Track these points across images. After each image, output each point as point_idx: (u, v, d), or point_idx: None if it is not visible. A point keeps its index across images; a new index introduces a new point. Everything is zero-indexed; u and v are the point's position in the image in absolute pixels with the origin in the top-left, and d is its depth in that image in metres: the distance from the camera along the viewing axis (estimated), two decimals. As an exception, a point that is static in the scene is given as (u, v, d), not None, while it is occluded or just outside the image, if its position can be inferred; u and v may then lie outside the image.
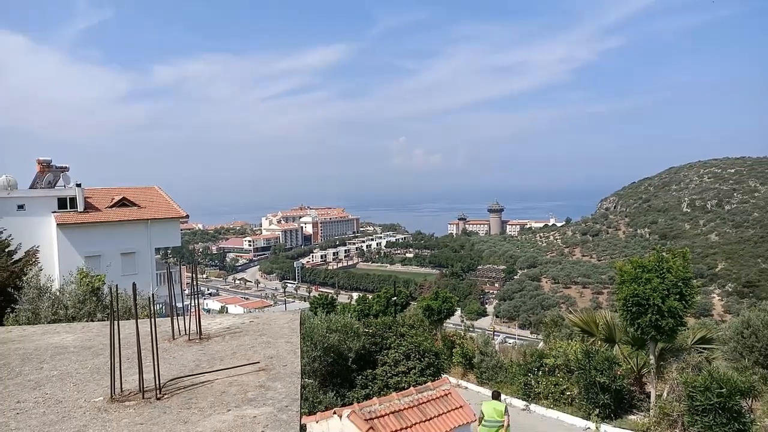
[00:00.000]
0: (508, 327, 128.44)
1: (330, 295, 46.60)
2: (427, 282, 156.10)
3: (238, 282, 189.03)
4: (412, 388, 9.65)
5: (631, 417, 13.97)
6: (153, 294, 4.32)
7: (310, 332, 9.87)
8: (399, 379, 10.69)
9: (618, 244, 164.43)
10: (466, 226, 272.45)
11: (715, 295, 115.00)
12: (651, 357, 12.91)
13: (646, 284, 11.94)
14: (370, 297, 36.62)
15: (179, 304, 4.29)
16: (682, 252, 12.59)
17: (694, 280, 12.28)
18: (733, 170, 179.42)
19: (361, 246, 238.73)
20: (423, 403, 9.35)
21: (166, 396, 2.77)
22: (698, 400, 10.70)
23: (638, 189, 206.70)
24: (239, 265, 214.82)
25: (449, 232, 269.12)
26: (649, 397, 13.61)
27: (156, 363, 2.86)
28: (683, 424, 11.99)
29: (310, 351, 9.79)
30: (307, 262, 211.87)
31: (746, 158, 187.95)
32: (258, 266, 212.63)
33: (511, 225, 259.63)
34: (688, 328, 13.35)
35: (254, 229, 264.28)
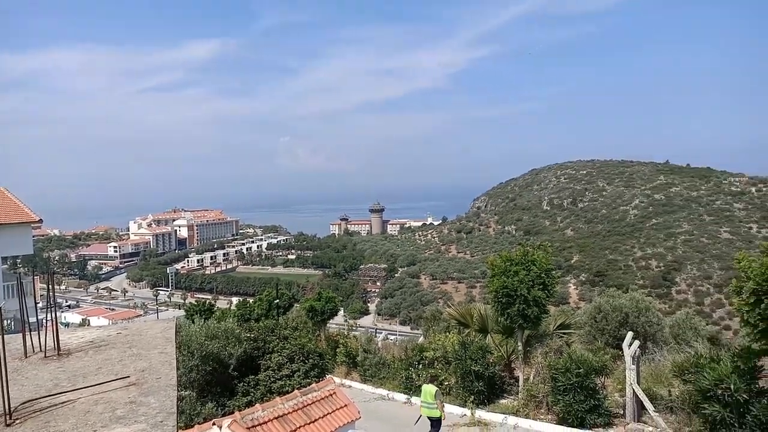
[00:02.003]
0: (390, 324, 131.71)
1: (208, 301, 44.55)
2: (310, 283, 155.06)
3: (102, 292, 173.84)
4: (296, 390, 9.52)
5: (503, 401, 14.97)
6: (0, 308, 3.84)
7: (186, 341, 9.32)
8: (283, 382, 10.49)
9: (489, 241, 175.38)
10: (348, 226, 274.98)
11: (571, 285, 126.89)
12: (519, 344, 13.97)
13: (514, 276, 12.89)
14: (252, 301, 35.57)
15: (32, 318, 3.84)
16: (544, 246, 13.77)
17: (555, 272, 13.49)
18: (585, 172, 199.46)
19: (241, 249, 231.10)
20: (307, 405, 9.27)
21: (18, 421, 2.46)
22: (560, 381, 11.76)
23: (506, 189, 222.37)
24: (103, 274, 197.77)
25: (332, 232, 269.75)
26: (517, 381, 14.70)
27: (5, 385, 2.53)
28: (548, 404, 13.12)
29: (187, 360, 9.25)
30: (182, 267, 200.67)
31: (596, 161, 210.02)
32: (125, 274, 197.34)
33: (392, 225, 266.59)
34: (550, 316, 14.61)
35: (120, 233, 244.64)
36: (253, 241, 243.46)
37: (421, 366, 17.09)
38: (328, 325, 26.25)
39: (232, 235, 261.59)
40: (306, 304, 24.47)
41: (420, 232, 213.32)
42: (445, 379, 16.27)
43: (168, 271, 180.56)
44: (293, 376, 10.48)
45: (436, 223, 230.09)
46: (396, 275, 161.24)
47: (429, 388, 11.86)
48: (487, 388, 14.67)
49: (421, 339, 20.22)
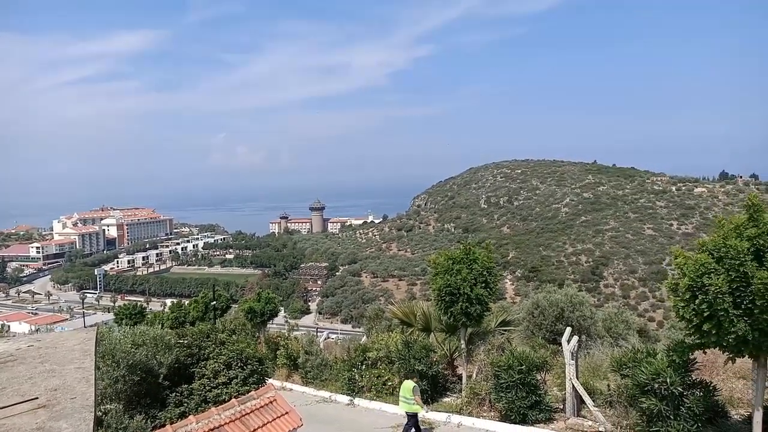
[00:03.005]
0: (331, 323, 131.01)
1: (139, 303, 42.44)
2: (249, 283, 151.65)
3: (24, 295, 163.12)
4: (233, 399, 9.01)
5: (446, 399, 14.94)
6: None
7: (110, 349, 8.59)
8: (219, 391, 9.91)
9: (429, 238, 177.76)
10: (289, 224, 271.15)
11: (507, 281, 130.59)
12: (462, 342, 13.97)
13: (457, 275, 12.85)
14: (187, 303, 34.15)
15: None
16: (486, 244, 13.82)
17: (496, 269, 13.56)
18: (520, 171, 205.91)
19: (176, 248, 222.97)
20: (246, 414, 8.78)
21: None
22: (503, 378, 11.80)
23: (444, 187, 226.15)
24: (25, 276, 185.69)
25: (271, 231, 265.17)
26: (460, 379, 14.71)
27: None
28: (490, 401, 13.16)
29: (112, 371, 8.52)
30: (111, 268, 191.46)
31: (530, 160, 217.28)
32: (49, 276, 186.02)
33: (333, 223, 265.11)
34: (492, 313, 14.70)
35: (44, 233, 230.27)
36: (188, 241, 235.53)
37: (364, 367, 16.84)
38: (268, 326, 25.50)
39: (166, 234, 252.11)
40: (245, 305, 23.66)
41: (361, 230, 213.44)
42: (389, 380, 16.09)
43: (96, 273, 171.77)
44: (230, 384, 9.94)
45: (377, 221, 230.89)
46: (337, 274, 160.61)
47: (408, 384, 12.07)
48: (430, 387, 14.59)
49: (364, 339, 19.96)
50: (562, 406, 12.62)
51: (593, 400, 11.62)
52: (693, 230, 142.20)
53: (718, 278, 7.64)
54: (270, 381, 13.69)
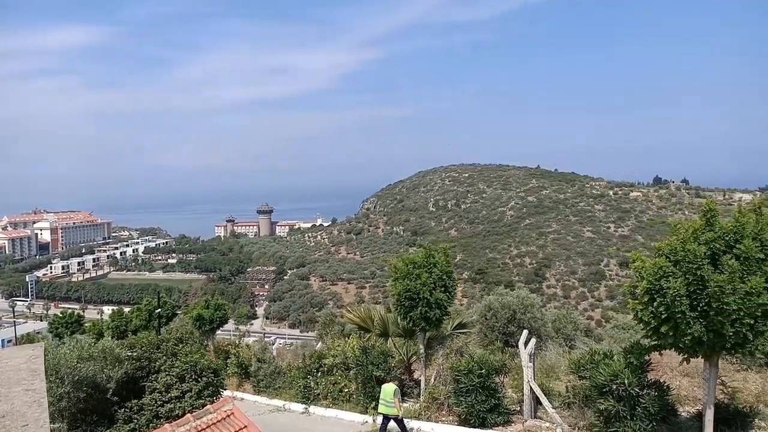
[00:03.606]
0: (278, 328, 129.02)
1: (75, 311, 40.28)
2: (192, 288, 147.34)
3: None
4: (188, 414, 8.55)
5: (404, 405, 14.81)
6: None
7: (54, 365, 7.94)
8: (172, 405, 9.38)
9: (378, 241, 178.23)
10: (235, 228, 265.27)
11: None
12: (420, 346, 13.91)
13: (417, 279, 12.77)
14: (128, 311, 32.63)
15: None
16: (444, 248, 13.83)
17: (454, 273, 13.59)
18: (467, 175, 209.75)
19: (114, 253, 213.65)
20: (202, 430, 8.34)
21: None
22: (463, 382, 11.81)
23: (394, 190, 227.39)
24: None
25: (217, 234, 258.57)
26: (418, 384, 14.64)
27: None
28: (449, 405, 13.16)
29: (56, 388, 7.87)
30: (44, 274, 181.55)
31: (477, 165, 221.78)
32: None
33: (281, 226, 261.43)
34: (448, 316, 14.71)
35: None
36: (128, 245, 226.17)
37: (320, 374, 16.51)
38: (216, 334, 24.69)
39: (104, 238, 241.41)
40: (193, 312, 22.78)
41: (310, 234, 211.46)
42: (345, 386, 15.84)
43: (27, 279, 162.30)
44: (184, 398, 9.42)
45: (326, 224, 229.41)
46: (285, 277, 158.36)
47: (389, 387, 12.16)
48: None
49: (319, 345, 19.60)
50: (519, 408, 12.76)
51: (550, 402, 11.80)
52: (629, 232, 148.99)
53: (675, 281, 7.87)
54: (227, 394, 13.18)
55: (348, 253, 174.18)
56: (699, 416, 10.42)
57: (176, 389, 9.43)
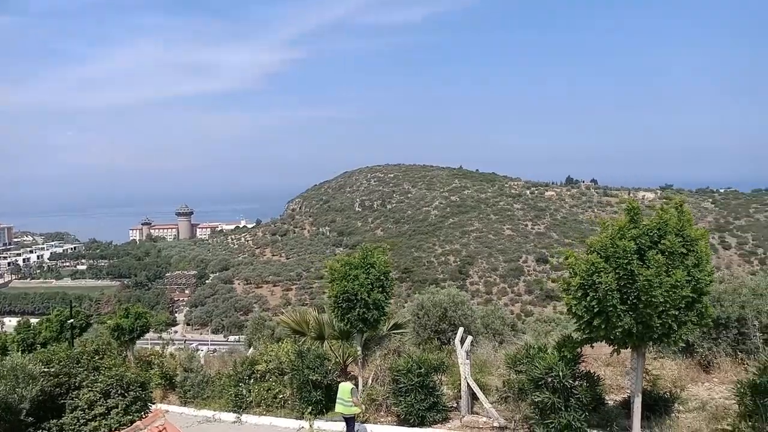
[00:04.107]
0: (201, 334, 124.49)
1: (-27, 325, 36.66)
2: (105, 296, 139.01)
3: None
4: (116, 432, 7.95)
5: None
6: None
7: (-44, 387, 7.06)
8: (97, 424, 8.66)
9: (304, 243, 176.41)
10: (152, 231, 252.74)
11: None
12: (358, 348, 13.79)
13: (354, 280, 12.65)
14: (36, 321, 30.11)
15: None
16: (382, 248, 13.79)
17: (392, 273, 13.58)
18: (392, 175, 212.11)
19: (16, 260, 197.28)
20: (133, 448, 7.80)
21: None
22: (402, 382, 11.82)
23: (319, 191, 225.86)
24: None
25: (132, 238, 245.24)
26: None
27: None
28: (387, 406, 13.14)
29: (-41, 414, 7.00)
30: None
31: (401, 165, 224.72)
32: None
33: (202, 228, 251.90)
34: (388, 317, 14.71)
35: None
36: (32, 251, 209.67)
37: (252, 380, 15.97)
38: (137, 343, 23.30)
39: (4, 244, 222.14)
40: (111, 322, 21.36)
41: (233, 236, 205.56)
42: (280, 392, 15.42)
43: None
44: (110, 415, 8.72)
45: (250, 225, 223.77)
46: (207, 281, 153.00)
47: (345, 386, 12.07)
48: (325, 397, 14.21)
49: (250, 350, 18.98)
50: (456, 405, 12.96)
51: (486, 397, 12.06)
52: (545, 230, 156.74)
53: (607, 276, 8.25)
54: (158, 406, 12.42)
55: (273, 255, 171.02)
56: (625, 404, 11.03)
57: (101, 406, 8.71)
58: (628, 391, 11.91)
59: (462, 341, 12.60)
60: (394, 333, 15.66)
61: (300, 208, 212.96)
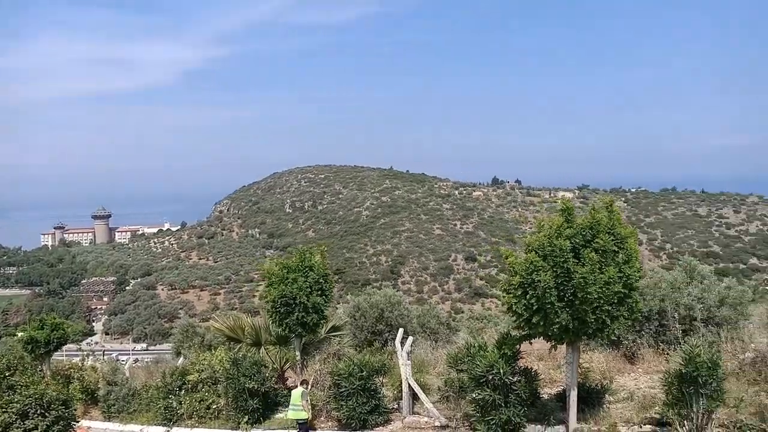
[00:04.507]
0: (121, 343, 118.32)
1: None
2: (14, 306, 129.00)
3: None
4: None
5: (278, 415, 14.26)
6: None
7: None
8: (14, 448, 7.90)
9: (233, 245, 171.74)
10: (65, 235, 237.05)
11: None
12: (297, 353, 13.49)
13: (293, 284, 12.36)
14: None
15: None
16: (321, 251, 13.56)
17: (331, 275, 13.38)
18: (323, 176, 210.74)
19: None
20: (56, 473, 7.17)
21: None
22: (344, 386, 11.65)
23: (248, 192, 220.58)
24: None
25: (43, 244, 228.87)
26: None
27: None
28: (328, 411, 12.93)
29: None
30: None
31: (332, 166, 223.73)
32: None
33: (121, 232, 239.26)
34: (326, 320, 14.47)
35: None
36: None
37: (183, 392, 15.23)
38: (53, 357, 21.62)
39: None
40: (23, 334, 19.70)
41: (156, 240, 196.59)
42: (214, 402, 14.81)
43: None
44: (29, 437, 7.98)
45: (174, 228, 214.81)
46: (128, 288, 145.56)
47: (296, 391, 11.98)
48: (262, 405, 13.80)
49: (180, 360, 18.09)
50: (397, 406, 12.96)
51: (427, 396, 12.13)
52: (473, 229, 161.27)
53: (546, 275, 8.50)
54: (84, 424, 11.56)
55: (200, 259, 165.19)
56: (559, 397, 11.43)
57: (17, 428, 7.94)
58: (561, 385, 12.40)
59: (402, 342, 12.62)
60: (332, 336, 15.44)
61: (228, 210, 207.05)
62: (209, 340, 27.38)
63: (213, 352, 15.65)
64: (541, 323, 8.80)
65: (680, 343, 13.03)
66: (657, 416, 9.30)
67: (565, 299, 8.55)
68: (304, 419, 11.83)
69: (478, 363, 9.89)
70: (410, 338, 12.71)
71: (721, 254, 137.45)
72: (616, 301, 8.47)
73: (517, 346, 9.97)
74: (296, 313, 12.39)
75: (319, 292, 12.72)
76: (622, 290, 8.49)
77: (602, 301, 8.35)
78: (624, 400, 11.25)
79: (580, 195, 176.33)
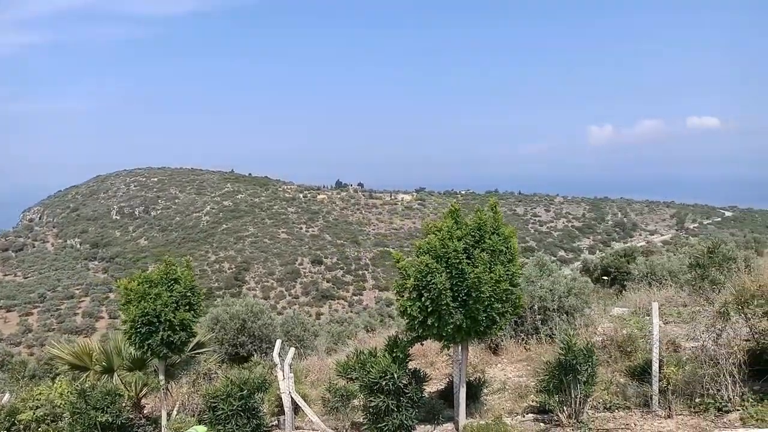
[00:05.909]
0: None
1: None
2: None
3: None
4: None
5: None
6: None
7: None
8: None
9: (48, 258, 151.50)
10: None
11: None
12: (161, 376, 12.03)
13: (156, 300, 10.99)
14: None
15: None
16: (186, 261, 12.29)
17: (199, 288, 12.17)
18: (156, 179, 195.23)
19: None
20: None
21: None
22: (221, 409, 10.65)
23: (66, 197, 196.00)
24: None
25: None
26: (155, 421, 12.66)
27: None
28: (201, 437, 11.74)
29: None
30: None
31: (167, 168, 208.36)
32: None
33: None
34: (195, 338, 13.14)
35: None
36: None
37: (12, 435, 12.78)
38: None
39: None
40: None
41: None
42: (54, 443, 12.64)
43: None
44: None
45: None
46: None
47: (200, 428, 10.55)
48: (113, 438, 12.09)
49: (6, 397, 15.01)
50: (277, 423, 12.26)
51: (311, 409, 11.64)
52: (318, 232, 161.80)
53: (440, 276, 8.60)
54: None
55: (5, 275, 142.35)
56: (441, 394, 11.74)
57: None
58: (440, 383, 12.78)
59: (282, 354, 11.96)
60: (196, 353, 14.11)
61: (40, 218, 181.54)
62: (32, 369, 23.76)
63: (52, 384, 13.34)
64: (436, 324, 8.89)
65: (538, 333, 14.25)
66: (535, 404, 9.94)
67: (459, 299, 8.73)
68: None
69: (371, 370, 9.70)
70: (292, 349, 12.09)
71: (536, 248, 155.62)
72: (504, 298, 8.86)
73: (408, 349, 9.98)
74: (161, 333, 11.04)
75: (187, 307, 11.50)
76: (509, 287, 8.92)
77: (493, 299, 8.68)
78: (498, 391, 11.91)
79: (418, 197, 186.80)
